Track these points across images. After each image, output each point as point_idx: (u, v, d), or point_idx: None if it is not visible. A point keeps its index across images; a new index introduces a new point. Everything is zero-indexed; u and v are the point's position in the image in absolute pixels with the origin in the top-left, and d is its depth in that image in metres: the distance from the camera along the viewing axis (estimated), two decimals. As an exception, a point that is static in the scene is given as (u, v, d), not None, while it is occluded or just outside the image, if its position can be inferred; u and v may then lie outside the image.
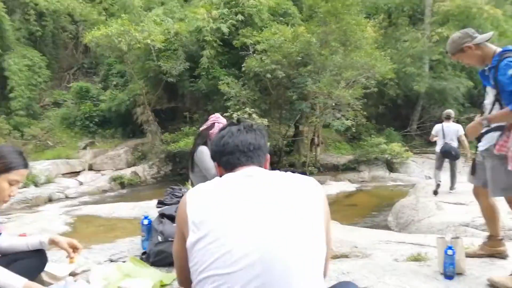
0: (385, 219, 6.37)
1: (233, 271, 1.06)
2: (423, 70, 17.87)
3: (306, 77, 13.18)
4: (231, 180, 1.26)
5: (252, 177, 1.25)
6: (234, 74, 14.43)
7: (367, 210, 7.77)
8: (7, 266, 2.10)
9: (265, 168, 1.40)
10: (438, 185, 6.81)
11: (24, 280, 1.77)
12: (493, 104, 2.52)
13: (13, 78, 16.59)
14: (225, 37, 14.20)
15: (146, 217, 2.98)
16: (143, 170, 14.52)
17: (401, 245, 3.65)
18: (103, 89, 18.00)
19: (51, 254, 2.62)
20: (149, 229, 2.93)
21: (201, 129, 3.91)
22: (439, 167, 7.12)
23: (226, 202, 1.17)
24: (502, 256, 2.85)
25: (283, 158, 14.74)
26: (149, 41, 13.64)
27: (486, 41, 2.59)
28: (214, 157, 1.43)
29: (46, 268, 2.28)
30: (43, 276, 2.29)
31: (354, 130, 14.90)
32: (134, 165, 15.00)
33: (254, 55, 13.52)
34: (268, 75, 13.02)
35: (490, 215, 2.86)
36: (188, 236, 1.16)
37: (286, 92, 13.86)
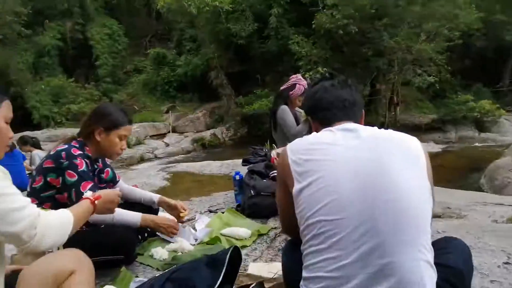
0: (477, 181, 5.99)
1: (341, 217, 1.08)
2: (517, 18, 15.70)
3: (382, 31, 12.37)
4: (332, 133, 1.25)
5: (354, 131, 1.23)
6: (304, 33, 14.02)
7: (455, 171, 7.34)
8: (126, 211, 2.38)
9: (361, 124, 1.36)
10: None
11: (139, 215, 2.05)
12: None
13: (96, 47, 17.97)
14: (292, -8, 13.68)
15: (237, 173, 3.12)
16: (221, 132, 15.20)
17: (498, 206, 3.43)
18: (178, 55, 18.70)
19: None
20: (240, 184, 3.08)
21: (281, 88, 3.93)
22: None
23: (330, 153, 1.18)
24: None
25: (360, 119, 14.21)
26: (217, 3, 13.70)
27: None
28: (308, 111, 1.44)
29: (159, 215, 2.54)
30: (156, 222, 2.55)
31: (438, 87, 13.81)
32: (212, 127, 15.76)
33: (324, 10, 12.92)
34: (340, 31, 12.42)
35: None
36: (293, 185, 1.20)
37: (360, 49, 13.18)
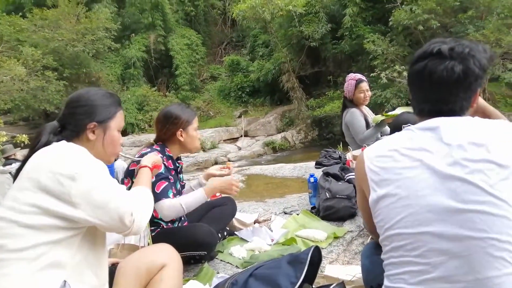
0: None
1: (422, 231, 1.02)
2: None
3: (467, 25, 11.41)
4: (412, 133, 1.14)
5: (435, 130, 1.10)
6: (380, 30, 13.55)
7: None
8: (207, 211, 2.53)
9: (472, 106, 1.16)
10: None
11: (201, 190, 2.16)
12: None
13: (176, 57, 19.08)
14: (369, -10, 13.32)
15: (312, 175, 3.11)
16: (292, 136, 15.22)
17: None
18: (251, 61, 19.18)
19: (240, 205, 3.03)
20: (315, 187, 3.07)
21: None
22: None
23: (406, 159, 1.09)
24: None
25: (442, 118, 13.31)
26: (291, 7, 13.78)
27: None
28: (410, 90, 1.25)
29: (237, 216, 2.65)
30: (234, 222, 2.67)
31: (531, 83, 12.35)
32: (283, 131, 15.85)
33: (403, 6, 12.30)
34: (420, 27, 11.72)
35: None
36: (369, 194, 1.15)
37: (443, 44, 12.28)
